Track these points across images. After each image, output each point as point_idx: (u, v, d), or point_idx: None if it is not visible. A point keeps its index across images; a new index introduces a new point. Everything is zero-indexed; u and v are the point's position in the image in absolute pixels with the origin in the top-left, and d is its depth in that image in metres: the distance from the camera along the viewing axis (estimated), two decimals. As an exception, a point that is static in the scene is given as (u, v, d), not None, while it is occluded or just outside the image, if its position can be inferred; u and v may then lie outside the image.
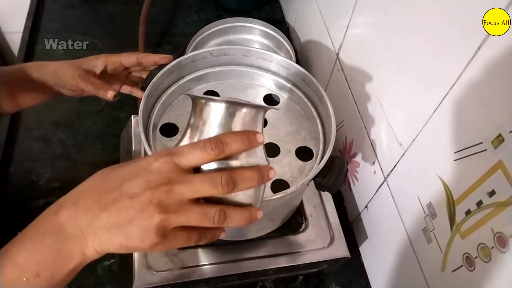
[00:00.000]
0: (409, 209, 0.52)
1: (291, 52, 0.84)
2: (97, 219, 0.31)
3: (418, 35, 0.46)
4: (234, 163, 0.33)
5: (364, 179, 0.65)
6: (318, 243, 0.57)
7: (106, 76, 0.60)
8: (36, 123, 0.78)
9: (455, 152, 0.42)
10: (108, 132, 0.79)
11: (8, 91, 0.56)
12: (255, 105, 0.35)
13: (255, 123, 0.35)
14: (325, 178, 0.47)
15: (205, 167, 0.33)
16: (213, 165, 0.33)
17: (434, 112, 0.45)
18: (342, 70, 0.69)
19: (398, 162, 0.54)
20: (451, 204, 0.43)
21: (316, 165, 0.50)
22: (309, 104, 0.55)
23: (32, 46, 0.90)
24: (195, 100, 0.35)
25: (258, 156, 0.35)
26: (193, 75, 0.56)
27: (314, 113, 0.55)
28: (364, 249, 0.67)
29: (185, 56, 0.53)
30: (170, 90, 0.54)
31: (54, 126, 0.78)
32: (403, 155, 0.52)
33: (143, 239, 0.31)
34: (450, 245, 0.44)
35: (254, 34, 0.89)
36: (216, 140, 0.32)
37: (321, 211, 0.61)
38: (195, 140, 0.34)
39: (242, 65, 0.58)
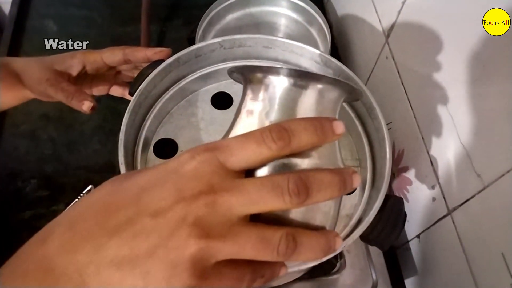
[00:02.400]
0: (486, 264, 0.38)
1: (325, 29, 0.69)
2: (102, 250, 0.20)
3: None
4: (301, 164, 0.23)
5: (417, 202, 0.51)
6: (357, 290, 0.45)
7: (88, 78, 0.48)
8: (24, 116, 0.68)
9: None
10: (105, 127, 0.67)
11: None
12: (333, 78, 0.24)
13: (334, 107, 0.25)
14: (375, 228, 0.34)
15: (259, 171, 0.23)
16: (270, 168, 0.22)
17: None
18: (393, 59, 0.53)
19: (472, 197, 0.39)
20: None
21: (361, 207, 0.37)
22: (352, 115, 0.41)
23: (21, 22, 0.78)
24: (247, 74, 0.24)
25: (336, 156, 0.24)
26: (198, 74, 0.43)
27: (359, 127, 0.41)
28: (411, 285, 0.55)
29: (185, 51, 0.40)
30: (167, 95, 0.41)
31: (43, 121, 0.67)
32: (481, 190, 0.38)
33: (171, 279, 0.20)
34: (555, 337, 0.31)
35: (281, 6, 0.74)
36: (279, 128, 0.21)
37: (361, 245, 0.48)
38: (251, 129, 0.23)
39: (263, 59, 0.44)
